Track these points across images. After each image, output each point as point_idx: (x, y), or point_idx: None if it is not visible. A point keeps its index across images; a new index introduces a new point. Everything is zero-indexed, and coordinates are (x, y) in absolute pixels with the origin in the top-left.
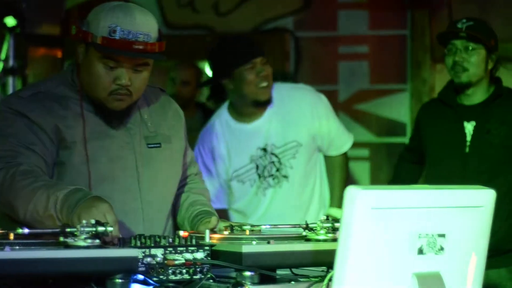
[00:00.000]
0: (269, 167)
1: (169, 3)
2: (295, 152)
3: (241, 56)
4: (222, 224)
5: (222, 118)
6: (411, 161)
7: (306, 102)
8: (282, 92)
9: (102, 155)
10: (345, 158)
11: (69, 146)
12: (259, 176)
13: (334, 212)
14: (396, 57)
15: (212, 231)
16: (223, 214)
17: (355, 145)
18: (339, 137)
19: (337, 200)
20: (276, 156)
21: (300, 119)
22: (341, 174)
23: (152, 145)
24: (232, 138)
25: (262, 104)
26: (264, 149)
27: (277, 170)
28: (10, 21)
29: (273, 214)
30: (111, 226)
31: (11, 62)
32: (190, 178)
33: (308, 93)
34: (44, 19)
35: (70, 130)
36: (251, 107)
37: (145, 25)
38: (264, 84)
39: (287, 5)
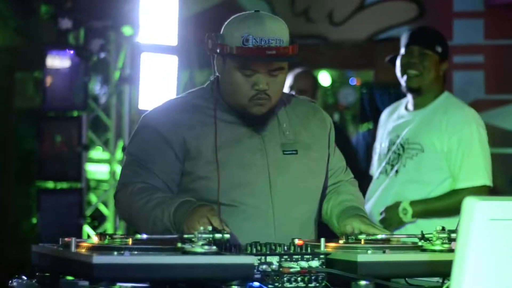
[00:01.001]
0: (393, 156)
1: (283, 12)
2: (414, 154)
3: (403, 41)
4: (361, 226)
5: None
6: None
7: (454, 120)
8: (450, 102)
9: (233, 161)
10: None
11: (197, 155)
12: (386, 162)
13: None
14: None
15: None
16: None
17: None
18: (468, 169)
19: (418, 208)
20: (403, 149)
21: (437, 130)
22: (449, 200)
23: (288, 152)
24: (390, 120)
25: (412, 91)
26: (397, 137)
27: (396, 163)
28: (127, 30)
29: (379, 203)
30: (228, 233)
31: (127, 71)
32: (339, 184)
33: (462, 114)
34: (160, 29)
35: (199, 140)
36: (408, 93)
37: (276, 31)
38: (412, 72)
39: (402, 15)
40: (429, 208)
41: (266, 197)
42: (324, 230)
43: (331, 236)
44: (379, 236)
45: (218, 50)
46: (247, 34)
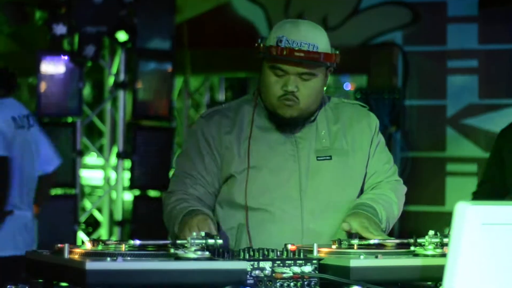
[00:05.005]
0: None
1: (277, 17)
2: None
3: None
4: (357, 228)
5: None
6: (491, 194)
7: None
8: None
9: (264, 165)
10: None
11: (231, 158)
12: None
13: None
14: (506, 72)
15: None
16: None
17: (463, 160)
18: None
19: None
20: None
21: None
22: None
23: (322, 158)
24: None
25: None
26: None
27: None
28: (122, 36)
29: None
30: (220, 239)
31: (122, 76)
32: (376, 186)
33: None
34: (155, 34)
35: (235, 143)
36: None
37: (311, 37)
38: None
39: (396, 20)
40: None
41: (296, 202)
42: None
43: None
44: (371, 241)
45: (257, 51)
46: (282, 35)
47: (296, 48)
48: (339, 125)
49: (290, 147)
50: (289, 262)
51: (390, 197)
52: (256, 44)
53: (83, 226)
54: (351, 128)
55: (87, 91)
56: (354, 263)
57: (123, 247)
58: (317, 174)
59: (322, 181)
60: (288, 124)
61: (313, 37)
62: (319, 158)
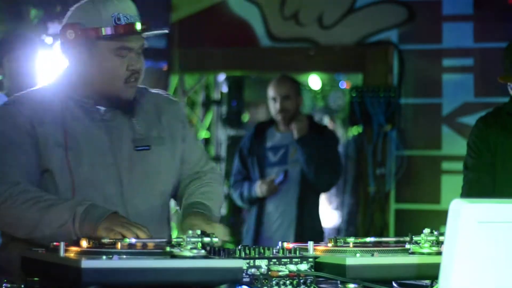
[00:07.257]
0: None
1: (273, 15)
2: None
3: None
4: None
5: None
6: (488, 182)
7: None
8: None
9: (84, 160)
10: None
11: (51, 151)
12: None
13: None
14: (502, 70)
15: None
16: None
17: (459, 158)
18: None
19: None
20: None
21: None
22: None
23: (141, 148)
24: None
25: None
26: None
27: None
28: None
29: None
30: (216, 237)
31: None
32: (196, 176)
33: None
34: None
35: (51, 136)
36: None
37: (134, 9)
38: None
39: (392, 18)
40: None
41: (117, 199)
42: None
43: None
44: (367, 239)
45: (85, 37)
46: (117, 13)
47: (134, 22)
48: (151, 112)
49: (105, 138)
50: (285, 260)
51: (219, 190)
52: (72, 31)
53: None
54: (163, 116)
55: None
56: (350, 261)
57: (119, 245)
58: (138, 166)
59: (144, 172)
60: (109, 115)
61: (135, 9)
62: (137, 148)
